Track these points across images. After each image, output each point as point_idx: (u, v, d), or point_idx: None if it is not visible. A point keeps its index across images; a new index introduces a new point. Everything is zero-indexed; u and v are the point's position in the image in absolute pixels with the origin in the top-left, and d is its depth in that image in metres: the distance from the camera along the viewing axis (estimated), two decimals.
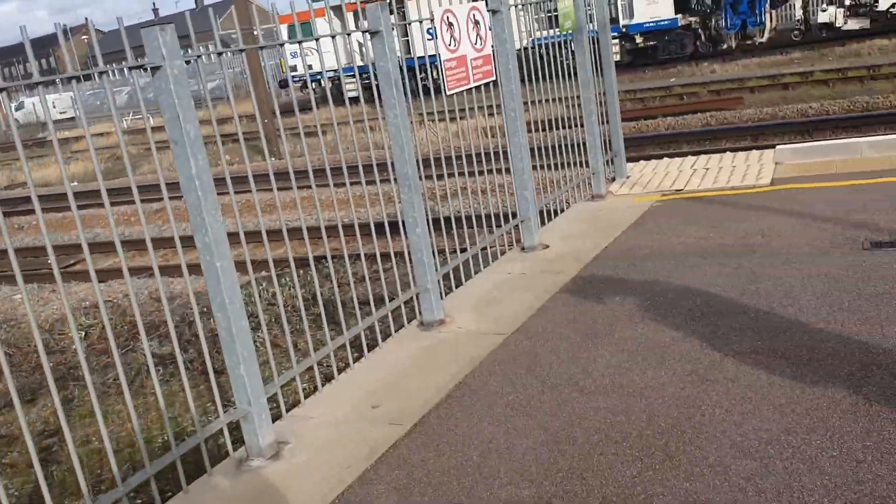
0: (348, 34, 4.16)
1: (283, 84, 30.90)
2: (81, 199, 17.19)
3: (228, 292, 3.33)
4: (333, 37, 4.02)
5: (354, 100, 7.75)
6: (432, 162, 5.11)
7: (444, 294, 4.99)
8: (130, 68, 3.05)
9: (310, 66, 24.17)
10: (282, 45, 3.79)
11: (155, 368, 3.35)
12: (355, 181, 5.33)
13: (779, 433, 2.98)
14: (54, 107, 47.88)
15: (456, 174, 5.36)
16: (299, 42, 3.87)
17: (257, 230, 11.53)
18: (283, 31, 28.68)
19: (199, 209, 3.23)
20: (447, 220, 5.37)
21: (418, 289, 4.68)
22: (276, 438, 3.53)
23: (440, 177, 5.22)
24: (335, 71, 26.23)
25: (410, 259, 4.69)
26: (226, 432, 3.42)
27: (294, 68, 27.94)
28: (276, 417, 3.77)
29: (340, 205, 12.79)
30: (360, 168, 4.45)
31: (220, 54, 3.39)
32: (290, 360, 3.83)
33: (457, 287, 5.30)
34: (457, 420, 3.52)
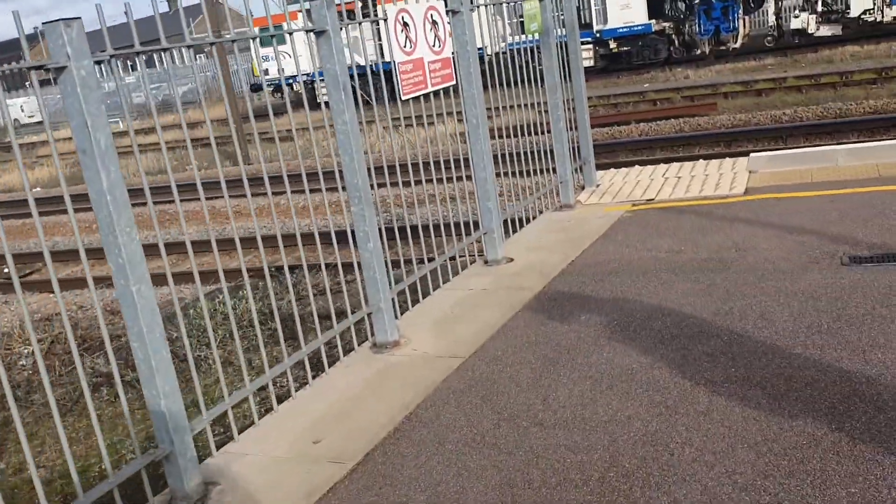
0: (290, 34, 3.83)
1: (255, 88, 30.42)
2: (44, 205, 16.66)
3: (146, 320, 2.98)
4: (273, 37, 3.69)
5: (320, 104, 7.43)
6: (385, 169, 4.80)
7: (399, 312, 4.67)
8: (29, 69, 2.70)
9: (282, 70, 23.79)
10: (212, 44, 3.45)
11: (99, 388, 3.05)
12: (298, 189, 5.00)
13: (755, 477, 2.69)
14: (22, 110, 46.97)
15: (412, 181, 5.04)
16: (225, 41, 3.54)
17: (200, 240, 11.13)
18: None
19: (112, 227, 2.88)
20: (402, 229, 5.05)
21: (370, 308, 4.35)
22: (203, 480, 3.18)
23: (394, 184, 4.98)
24: (306, 75, 25.75)
25: (362, 276, 4.37)
26: (144, 476, 3.07)
27: (266, 72, 27.51)
28: (208, 454, 3.44)
29: (283, 214, 12.43)
30: (304, 177, 4.11)
31: (138, 54, 3.05)
32: (237, 386, 3.49)
33: (414, 304, 4.98)
34: (404, 458, 3.20)
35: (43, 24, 2.70)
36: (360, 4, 4.32)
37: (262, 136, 21.87)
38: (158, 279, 10.35)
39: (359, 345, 4.44)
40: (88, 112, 2.78)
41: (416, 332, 4.53)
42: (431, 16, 4.80)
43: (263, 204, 12.80)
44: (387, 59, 4.56)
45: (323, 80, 4.08)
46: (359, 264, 4.36)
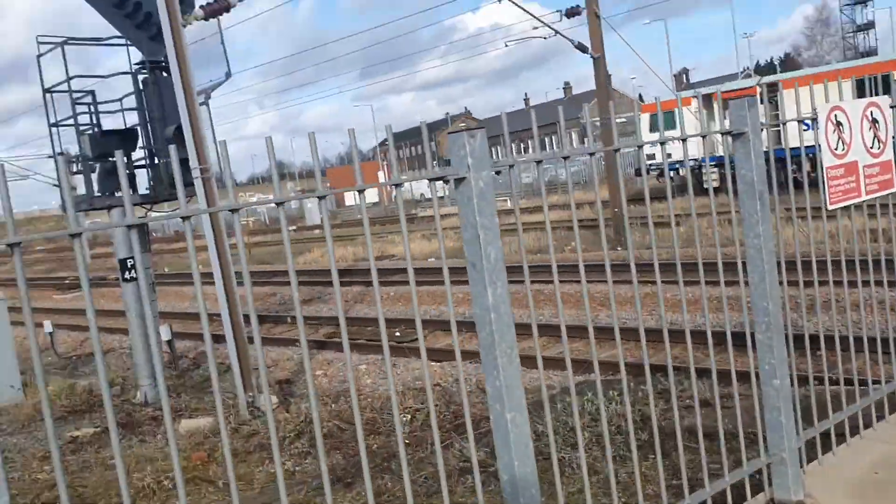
0: (702, 136, 3.39)
1: (638, 172, 30.43)
2: (432, 275, 18.07)
3: (518, 453, 2.69)
4: (685, 139, 3.28)
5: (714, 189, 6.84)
6: (783, 265, 4.05)
7: (804, 462, 3.85)
8: (431, 180, 2.62)
9: (669, 155, 23.38)
10: (591, 154, 3.14)
11: (464, 475, 2.88)
12: (670, 280, 4.44)
13: None
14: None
15: (816, 281, 4.21)
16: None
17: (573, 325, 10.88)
18: (645, 120, 28.40)
19: (492, 348, 2.66)
20: (799, 338, 4.21)
21: (770, 458, 3.63)
22: None
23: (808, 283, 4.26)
24: (695, 160, 24.94)
25: (762, 416, 3.67)
26: None
27: (652, 157, 27.40)
28: None
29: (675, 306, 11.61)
30: (679, 266, 3.58)
31: (511, 166, 2.82)
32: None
33: (824, 451, 4.08)
34: None
35: (448, 133, 2.61)
36: (764, 88, 3.70)
37: (641, 221, 21.59)
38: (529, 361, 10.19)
39: (752, 495, 3.72)
40: (482, 225, 2.61)
41: (826, 495, 3.67)
42: (871, 113, 4.02)
43: (643, 292, 12.38)
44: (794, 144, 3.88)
45: (712, 165, 3.55)
46: (757, 375, 3.66)
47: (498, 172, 2.70)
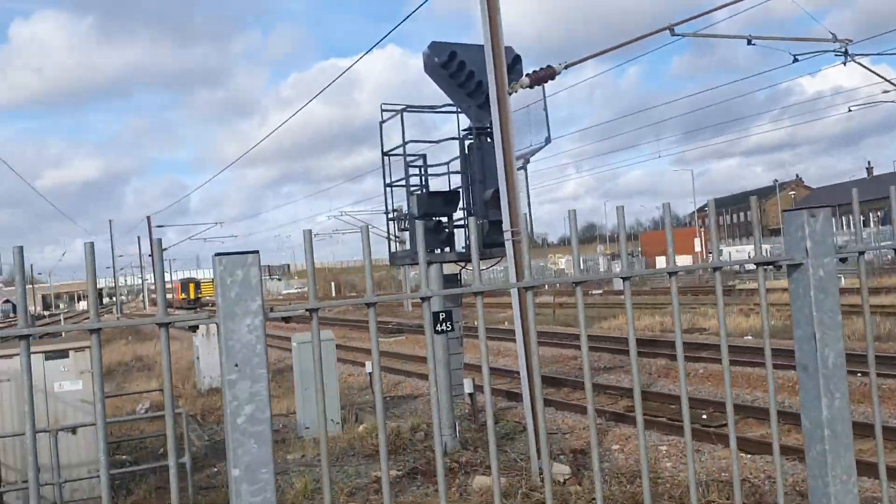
0: None
1: None
2: (748, 354, 16.62)
3: None
4: None
5: None
6: None
7: None
8: (759, 264, 2.28)
9: None
10: None
11: None
12: None
13: None
14: (749, 256, 49.63)
15: None
16: None
17: None
18: None
19: (823, 471, 2.21)
20: None
21: None
22: None
23: None
24: None
25: None
26: None
27: None
28: None
29: None
30: None
31: (860, 254, 2.35)
32: None
33: None
34: None
35: (784, 211, 2.26)
36: None
37: None
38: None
39: None
40: (820, 322, 2.20)
41: None
42: None
43: None
44: None
45: None
46: None
47: (843, 260, 2.28)
